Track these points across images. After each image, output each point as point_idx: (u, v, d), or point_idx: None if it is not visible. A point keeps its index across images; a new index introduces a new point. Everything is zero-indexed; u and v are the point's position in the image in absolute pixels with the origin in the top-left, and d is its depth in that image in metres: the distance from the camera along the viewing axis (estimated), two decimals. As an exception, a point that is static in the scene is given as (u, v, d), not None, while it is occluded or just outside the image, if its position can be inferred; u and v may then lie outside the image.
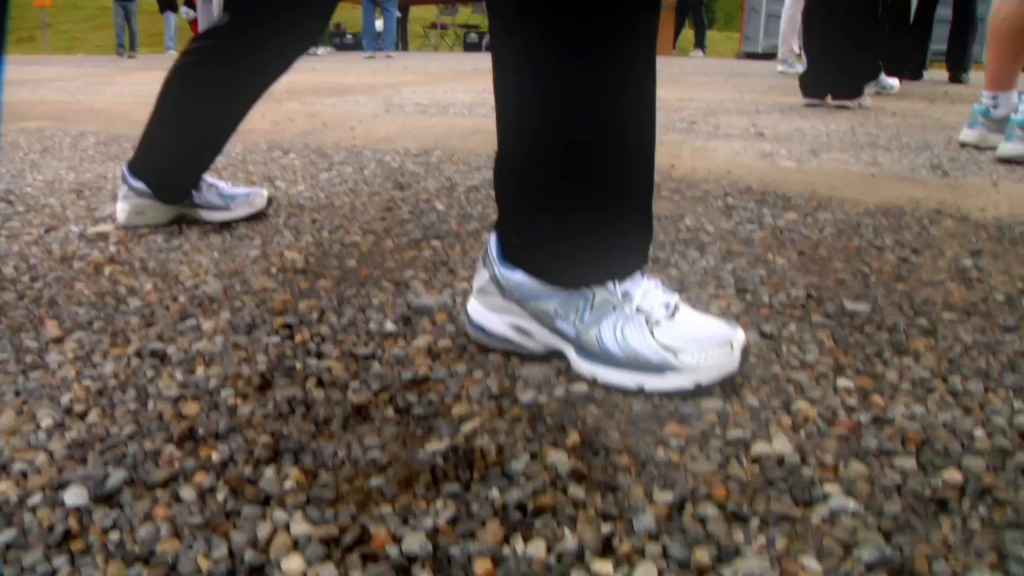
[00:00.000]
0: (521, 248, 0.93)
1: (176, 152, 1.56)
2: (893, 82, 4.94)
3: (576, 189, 0.87)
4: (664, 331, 0.89)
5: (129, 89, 6.50)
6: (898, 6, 5.30)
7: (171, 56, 16.69)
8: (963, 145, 2.73)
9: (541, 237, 0.91)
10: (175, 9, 16.99)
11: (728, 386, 0.89)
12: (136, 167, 1.60)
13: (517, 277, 0.93)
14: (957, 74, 6.68)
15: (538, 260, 0.92)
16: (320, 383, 0.92)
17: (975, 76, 6.55)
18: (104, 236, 1.61)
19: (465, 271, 1.31)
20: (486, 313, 0.97)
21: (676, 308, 0.92)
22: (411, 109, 3.86)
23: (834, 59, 3.81)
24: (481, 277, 0.98)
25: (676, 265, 1.36)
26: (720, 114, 3.56)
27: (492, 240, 0.97)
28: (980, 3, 6.84)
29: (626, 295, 0.90)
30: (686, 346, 0.87)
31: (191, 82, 1.48)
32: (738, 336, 0.89)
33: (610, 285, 0.90)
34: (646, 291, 0.91)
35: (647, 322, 0.89)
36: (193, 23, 12.98)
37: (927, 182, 2.14)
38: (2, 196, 2.14)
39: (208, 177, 1.64)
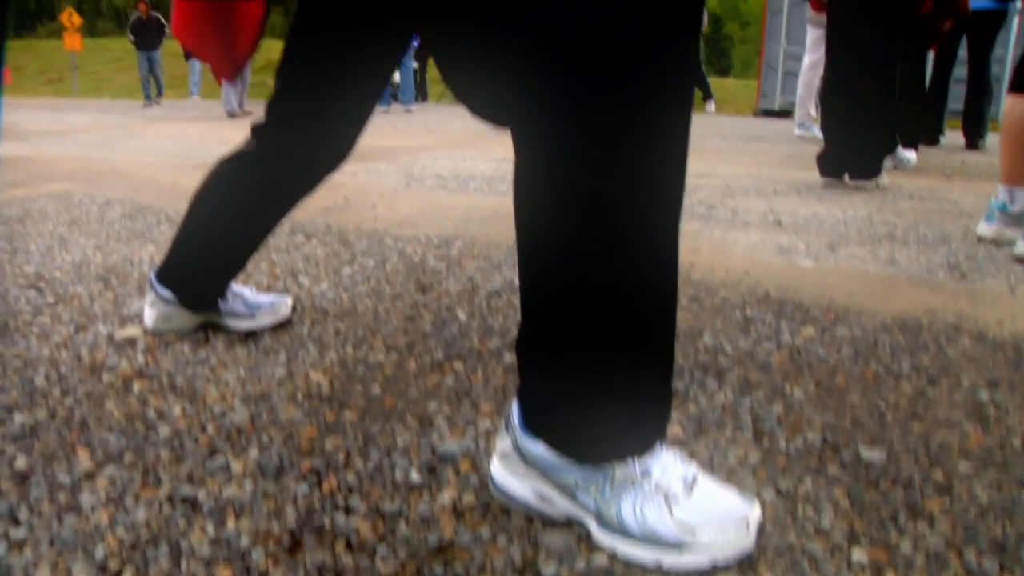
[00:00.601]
0: (542, 419, 0.96)
1: (204, 263, 1.60)
2: (910, 155, 4.98)
3: (598, 348, 0.89)
4: (683, 508, 0.91)
5: (153, 144, 6.61)
6: (914, 77, 5.35)
7: (194, 102, 16.98)
8: (980, 240, 2.75)
9: (562, 409, 0.93)
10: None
11: (744, 562, 0.91)
12: (163, 275, 1.64)
13: (538, 449, 0.96)
14: (974, 140, 6.73)
15: (559, 433, 0.94)
16: (349, 546, 0.94)
17: (991, 140, 6.59)
18: (132, 342, 1.65)
19: (487, 404, 1.33)
20: (509, 478, 0.99)
21: (694, 480, 0.94)
22: (432, 183, 3.92)
23: (852, 138, 3.85)
24: (504, 443, 1.00)
25: (695, 399, 1.38)
26: (738, 195, 3.59)
27: (514, 407, 0.99)
28: (995, 64, 6.91)
29: (645, 472, 0.92)
30: (704, 524, 0.89)
31: (223, 195, 1.51)
32: (754, 513, 0.91)
33: (630, 461, 0.93)
34: (665, 466, 0.93)
35: (665, 499, 0.91)
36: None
37: (944, 287, 2.16)
38: (32, 282, 2.19)
39: (234, 285, 1.68)
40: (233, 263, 1.60)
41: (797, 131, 7.44)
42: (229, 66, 1.03)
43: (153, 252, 2.48)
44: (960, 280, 2.24)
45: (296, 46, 1.28)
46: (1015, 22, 9.56)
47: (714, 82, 14.01)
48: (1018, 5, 5.87)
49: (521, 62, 0.81)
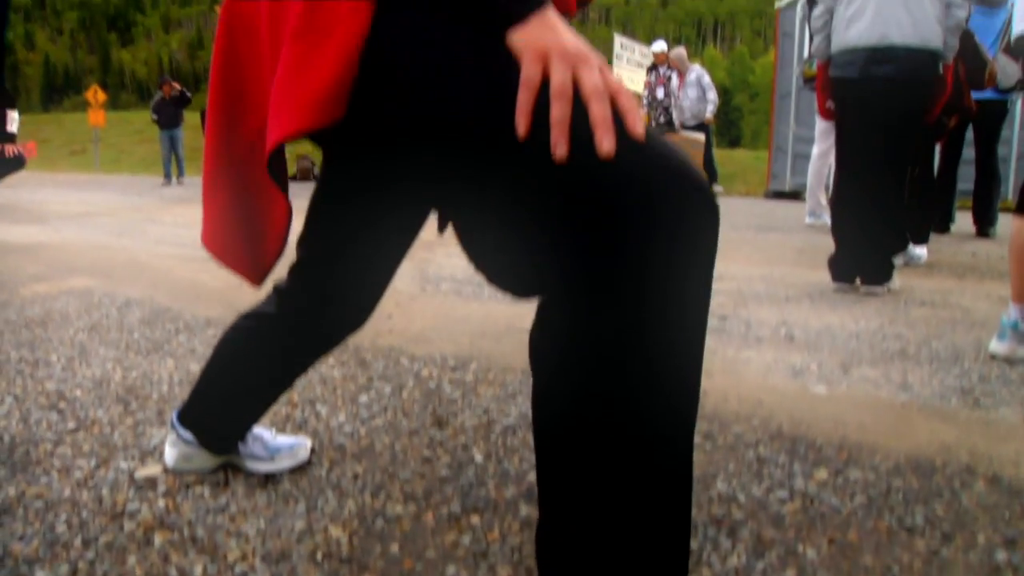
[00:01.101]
0: None
1: (224, 409, 1.63)
2: (921, 252, 5.02)
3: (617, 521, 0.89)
4: None
5: (171, 233, 6.72)
6: (923, 174, 5.42)
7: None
8: (993, 357, 2.76)
9: None
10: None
11: None
12: (185, 417, 1.67)
13: None
14: (984, 228, 6.81)
15: None
16: None
17: (1002, 225, 6.66)
18: (153, 482, 1.67)
19: (504, 568, 1.34)
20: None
21: None
22: (447, 286, 3.97)
23: (863, 243, 3.89)
24: None
25: (708, 562, 1.39)
26: (751, 302, 3.63)
27: None
28: (1001, 145, 7.01)
29: None
30: None
31: (244, 351, 1.54)
32: None
33: None
34: None
35: None
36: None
37: (958, 417, 2.17)
38: (54, 402, 2.22)
39: (254, 428, 1.71)
40: (253, 411, 1.63)
41: (808, 219, 7.52)
42: (257, 273, 1.07)
43: (172, 369, 2.52)
44: (974, 408, 2.25)
45: (318, 215, 1.32)
46: (1019, 107, 9.72)
47: (724, 154, 14.22)
48: (1016, 96, 6.01)
49: (542, 229, 0.83)
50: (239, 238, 1.04)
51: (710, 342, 2.88)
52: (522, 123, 0.78)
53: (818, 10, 4.00)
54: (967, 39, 5.25)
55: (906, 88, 3.71)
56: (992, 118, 6.35)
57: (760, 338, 2.96)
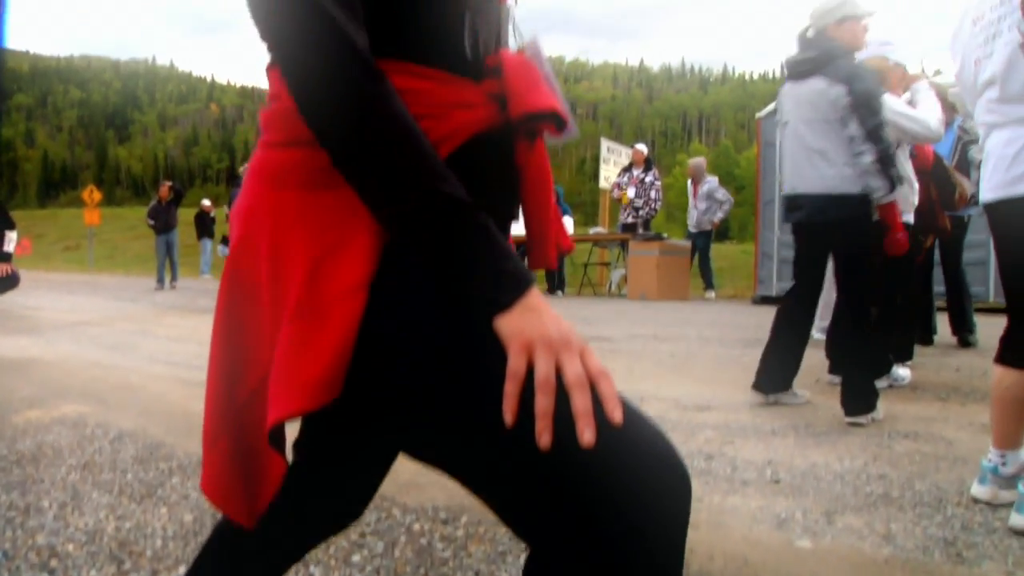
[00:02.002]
0: None
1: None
2: (904, 373, 5.09)
3: None
4: None
5: (164, 348, 6.77)
6: (903, 294, 5.54)
7: (204, 283, 17.44)
8: (976, 501, 2.80)
9: None
10: (211, 236, 17.97)
11: None
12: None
13: None
14: (964, 338, 6.93)
15: None
16: None
17: (982, 331, 6.78)
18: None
19: None
20: None
21: None
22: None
23: (849, 376, 3.99)
24: None
25: None
26: (737, 438, 3.68)
27: None
28: (977, 248, 7.16)
29: None
30: None
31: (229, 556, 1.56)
32: None
33: None
34: None
35: None
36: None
37: (940, 573, 2.20)
38: (44, 560, 2.24)
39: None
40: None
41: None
42: (251, 517, 1.11)
43: (166, 519, 2.54)
44: (957, 562, 2.28)
45: (306, 432, 1.34)
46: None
47: (714, 248, 14.38)
48: (972, 212, 6.26)
49: (526, 505, 0.88)
50: (238, 484, 1.09)
51: (696, 486, 2.92)
52: (509, 413, 0.85)
53: None
54: (938, 164, 5.47)
55: (824, 230, 4.06)
56: (954, 232, 6.55)
57: (746, 481, 3.00)
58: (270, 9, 0.87)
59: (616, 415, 0.86)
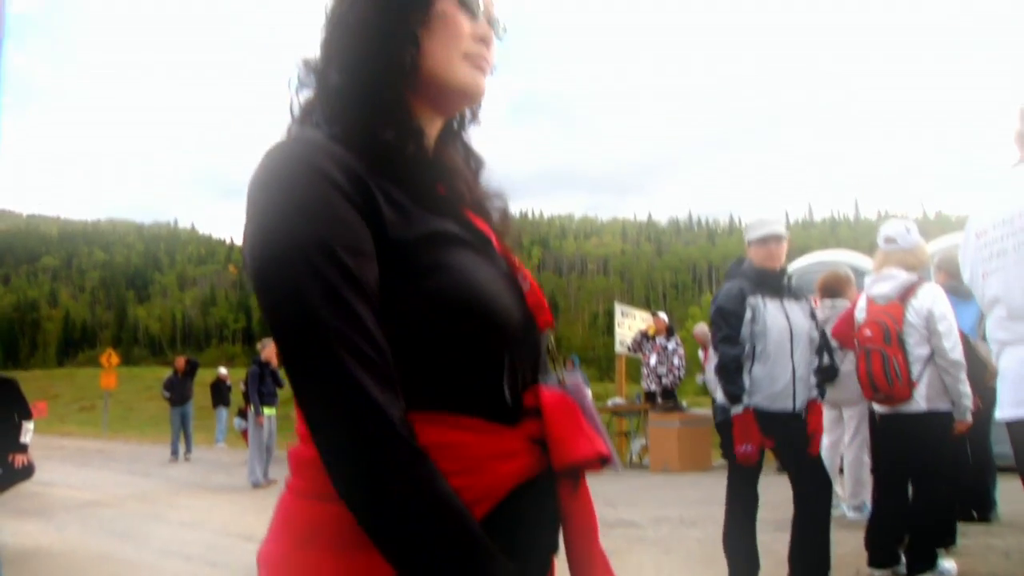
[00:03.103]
0: None
1: None
2: (950, 567, 4.83)
3: None
4: None
5: (177, 536, 6.59)
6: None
7: (219, 450, 17.17)
8: None
9: None
10: (227, 404, 17.89)
11: None
12: None
13: None
14: (984, 515, 6.56)
15: None
16: None
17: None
18: None
19: None
20: None
21: None
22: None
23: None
24: None
25: None
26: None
27: None
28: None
29: None
30: None
31: None
32: None
33: None
34: None
35: None
36: (244, 434, 13.50)
37: None
38: None
39: None
40: None
41: (850, 514, 7.28)
42: None
43: None
44: None
45: None
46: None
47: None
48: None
49: None
50: None
51: None
52: None
53: None
54: (964, 344, 5.38)
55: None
56: (983, 409, 6.37)
57: None
58: (311, 397, 0.85)
59: None
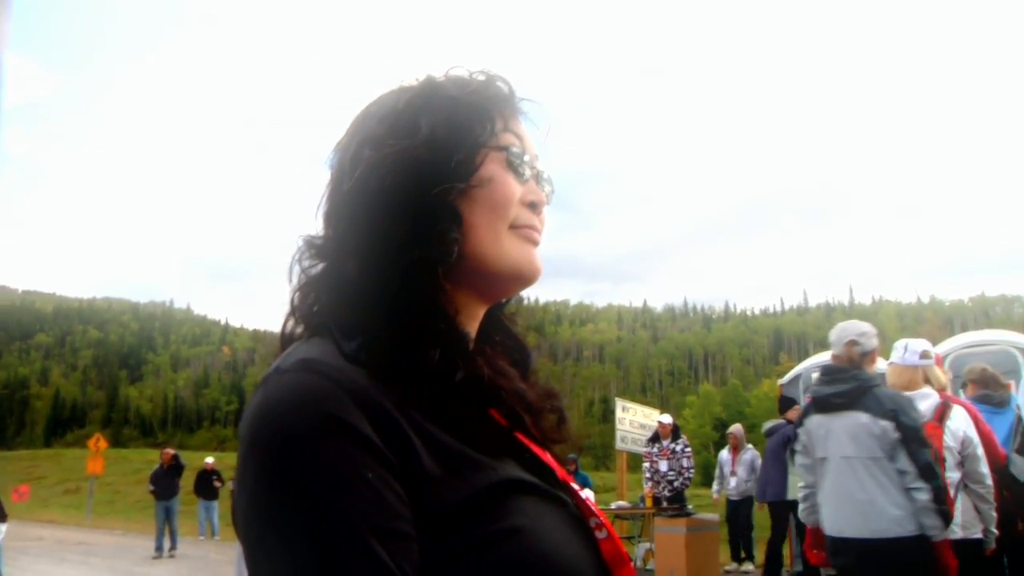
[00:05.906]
0: None
1: None
2: None
3: None
4: None
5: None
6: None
7: (204, 545, 16.55)
8: None
9: None
10: (212, 497, 17.41)
11: None
12: None
13: None
14: None
15: None
16: None
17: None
18: None
19: None
20: None
21: None
22: None
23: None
24: None
25: None
26: None
27: None
28: None
29: None
30: None
31: None
32: None
33: None
34: None
35: None
36: (233, 525, 13.12)
37: None
38: None
39: None
40: None
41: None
42: None
43: None
44: None
45: None
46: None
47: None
48: None
49: None
50: None
51: None
52: None
53: (801, 483, 4.03)
54: (1003, 470, 5.05)
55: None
56: None
57: None
58: None
59: None
